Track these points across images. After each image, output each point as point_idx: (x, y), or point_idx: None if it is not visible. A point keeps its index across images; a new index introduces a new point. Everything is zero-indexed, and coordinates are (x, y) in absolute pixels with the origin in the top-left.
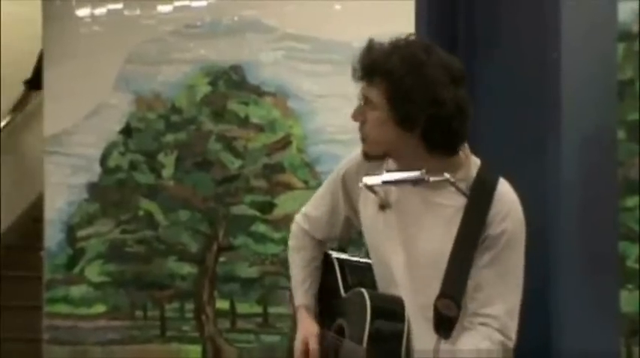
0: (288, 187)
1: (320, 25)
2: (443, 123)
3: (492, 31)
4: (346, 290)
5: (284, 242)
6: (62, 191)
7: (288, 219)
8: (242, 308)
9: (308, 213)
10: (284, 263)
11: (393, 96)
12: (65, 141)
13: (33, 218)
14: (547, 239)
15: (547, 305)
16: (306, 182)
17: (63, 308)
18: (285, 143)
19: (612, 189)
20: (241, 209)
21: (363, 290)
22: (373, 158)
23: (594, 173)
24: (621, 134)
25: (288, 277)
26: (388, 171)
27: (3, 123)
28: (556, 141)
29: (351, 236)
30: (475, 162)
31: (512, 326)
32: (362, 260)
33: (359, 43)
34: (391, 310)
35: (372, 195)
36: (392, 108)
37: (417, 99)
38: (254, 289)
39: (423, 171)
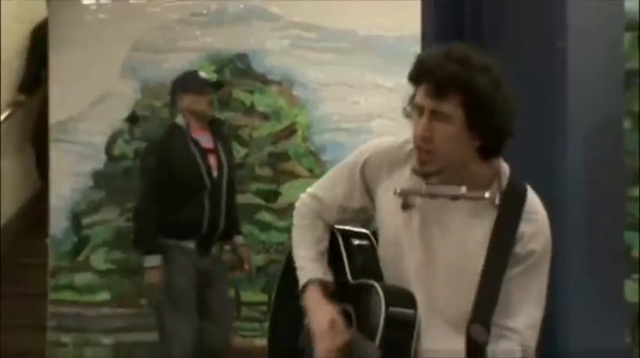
0: (293, 176)
1: (326, 13)
2: (503, 128)
3: (499, 20)
4: (353, 273)
5: (289, 230)
6: (68, 178)
7: (293, 208)
8: (247, 296)
9: (319, 195)
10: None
11: (473, 107)
12: (71, 129)
13: (39, 205)
14: (553, 228)
15: (553, 295)
16: (311, 170)
17: (68, 296)
18: (290, 131)
19: (619, 179)
20: (246, 197)
21: (378, 285)
22: (431, 174)
23: (601, 163)
24: (627, 124)
25: None
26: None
27: (7, 113)
28: (562, 131)
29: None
30: (505, 168)
31: (533, 339)
32: (362, 231)
33: (364, 32)
34: (404, 311)
35: (394, 189)
36: (470, 118)
37: (493, 107)
38: (259, 277)
39: (464, 187)
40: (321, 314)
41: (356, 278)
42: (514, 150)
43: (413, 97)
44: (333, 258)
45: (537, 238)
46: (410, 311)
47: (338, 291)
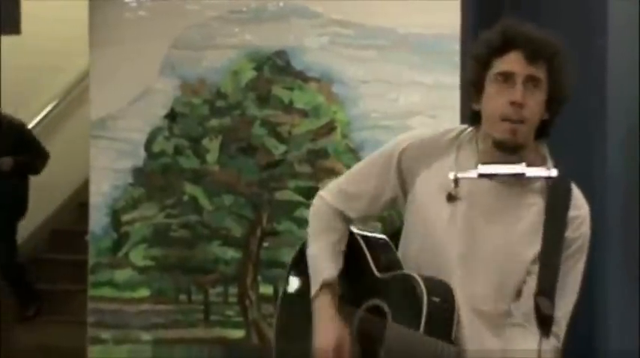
0: (332, 173)
1: (365, 11)
2: (564, 104)
3: (537, 17)
4: (379, 269)
5: None
6: (107, 175)
7: None
8: None
9: (344, 189)
10: None
11: (556, 77)
12: (110, 126)
13: (79, 202)
14: (592, 228)
15: (589, 294)
16: (349, 168)
17: (107, 292)
18: (329, 128)
19: None
20: (285, 194)
21: (414, 275)
22: (518, 147)
23: None
24: None
25: None
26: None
27: (49, 108)
28: (602, 131)
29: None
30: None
31: (564, 330)
32: (378, 236)
33: (403, 30)
34: (443, 296)
35: (436, 181)
36: (551, 89)
37: (568, 80)
38: None
39: (523, 164)
40: (329, 332)
41: (382, 273)
42: (551, 149)
43: (483, 68)
44: (354, 256)
45: (585, 223)
46: (448, 302)
47: (366, 287)
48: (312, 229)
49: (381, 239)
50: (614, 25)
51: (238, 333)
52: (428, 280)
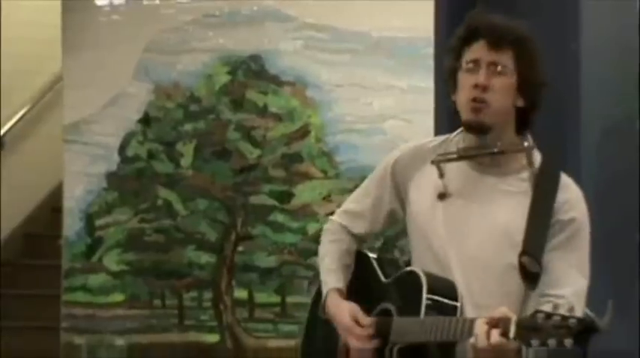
0: (307, 177)
1: (339, 14)
2: (541, 90)
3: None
4: (386, 277)
5: (302, 231)
6: (81, 180)
7: (306, 209)
8: (260, 297)
9: (347, 209)
10: (302, 252)
11: (524, 62)
12: (84, 130)
13: (52, 207)
14: None
15: None
16: (324, 171)
17: (81, 297)
18: (303, 132)
19: (633, 181)
20: (260, 198)
21: (415, 269)
22: (483, 127)
23: (614, 163)
24: None
25: (306, 266)
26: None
27: (23, 112)
28: (576, 132)
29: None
30: (536, 149)
31: (579, 310)
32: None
33: (377, 33)
34: (445, 287)
35: (427, 184)
36: (520, 75)
37: (538, 66)
38: (272, 278)
39: (499, 143)
40: (342, 311)
41: (388, 279)
42: None
43: (456, 59)
44: (365, 272)
45: (577, 206)
46: (450, 288)
47: (375, 295)
48: (322, 244)
49: (392, 257)
50: (587, 30)
51: (213, 338)
52: (430, 273)
